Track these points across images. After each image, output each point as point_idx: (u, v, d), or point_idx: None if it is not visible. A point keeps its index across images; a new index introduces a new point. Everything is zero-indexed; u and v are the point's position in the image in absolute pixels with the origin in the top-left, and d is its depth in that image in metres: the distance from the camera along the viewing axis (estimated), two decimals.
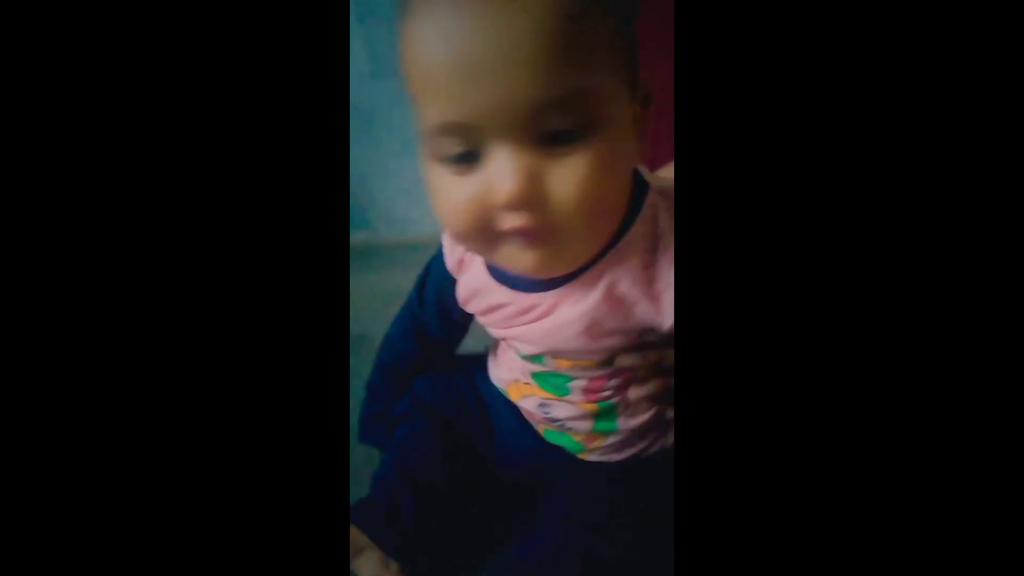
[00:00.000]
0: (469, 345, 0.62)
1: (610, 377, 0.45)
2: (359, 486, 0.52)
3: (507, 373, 0.52)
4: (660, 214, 0.40)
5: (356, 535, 0.47)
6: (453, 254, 0.49)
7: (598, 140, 0.33)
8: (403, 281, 0.61)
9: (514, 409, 0.54)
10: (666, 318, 0.39)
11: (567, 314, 0.41)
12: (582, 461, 0.52)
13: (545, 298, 0.42)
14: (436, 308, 0.54)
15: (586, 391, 0.46)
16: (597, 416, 0.47)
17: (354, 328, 0.56)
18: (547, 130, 0.32)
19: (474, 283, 0.47)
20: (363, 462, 0.61)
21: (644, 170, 0.43)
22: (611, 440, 0.49)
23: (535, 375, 0.48)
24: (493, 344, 0.56)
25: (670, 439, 0.50)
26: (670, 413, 0.47)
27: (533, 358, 0.47)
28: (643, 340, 0.42)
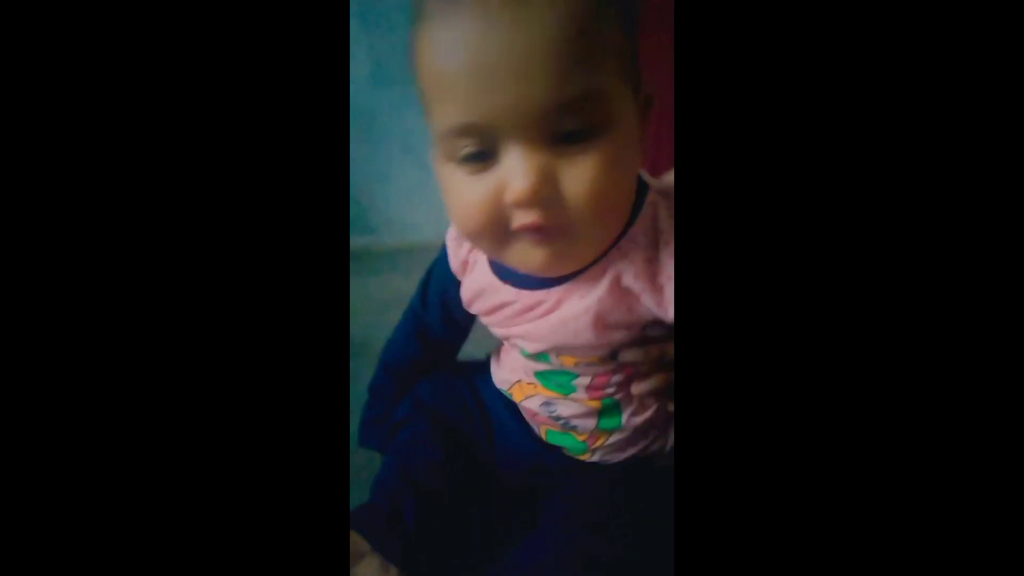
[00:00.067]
0: (470, 352, 0.62)
1: (614, 373, 0.46)
2: (359, 491, 0.52)
3: (510, 374, 0.52)
4: (660, 212, 0.41)
5: (356, 541, 0.46)
6: (457, 256, 0.50)
7: (607, 140, 0.34)
8: (404, 286, 0.61)
9: (515, 412, 0.54)
10: (670, 308, 0.40)
11: (573, 308, 0.42)
12: (582, 463, 0.52)
13: (551, 294, 0.43)
14: (439, 309, 0.55)
15: (590, 388, 0.47)
16: (601, 413, 0.48)
17: (355, 333, 0.56)
18: (559, 131, 0.34)
19: (479, 283, 0.48)
20: (363, 467, 0.61)
21: (644, 173, 0.44)
22: (614, 439, 0.49)
23: (539, 374, 0.49)
24: (496, 348, 0.56)
25: (671, 439, 0.50)
26: (671, 408, 0.47)
27: (538, 356, 0.47)
28: (646, 334, 0.43)
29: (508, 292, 0.45)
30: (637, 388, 0.46)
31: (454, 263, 0.50)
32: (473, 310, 0.50)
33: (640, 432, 0.49)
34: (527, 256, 0.38)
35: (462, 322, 0.56)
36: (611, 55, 0.34)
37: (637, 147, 0.38)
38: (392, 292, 0.70)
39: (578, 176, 0.34)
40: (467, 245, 0.49)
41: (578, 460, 0.52)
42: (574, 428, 0.49)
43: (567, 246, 0.37)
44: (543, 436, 0.53)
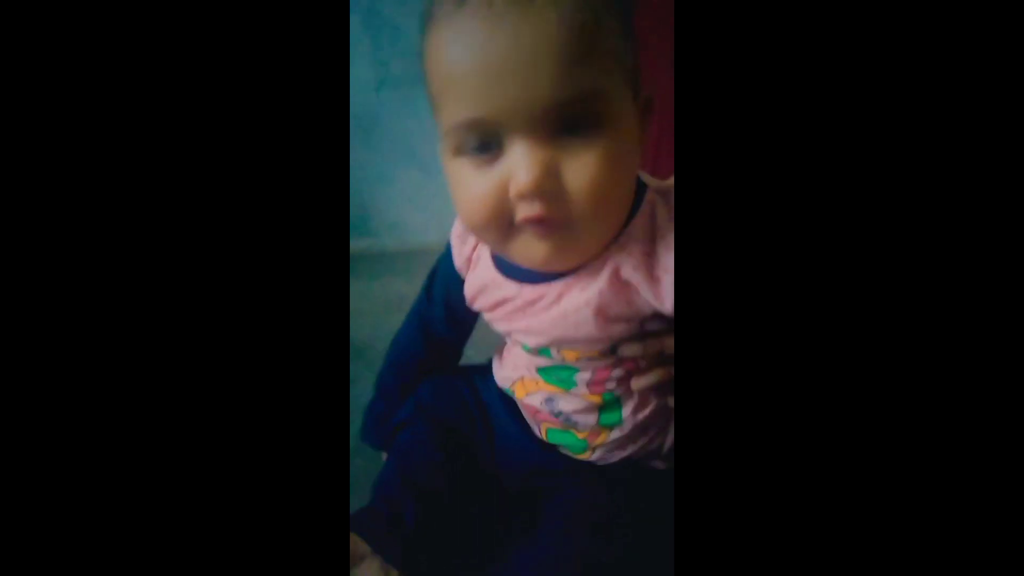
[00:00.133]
0: (471, 356, 0.63)
1: (614, 367, 0.46)
2: (359, 495, 0.52)
3: (512, 372, 0.53)
4: (658, 210, 0.43)
5: (357, 543, 0.47)
6: (461, 253, 0.51)
7: (607, 137, 0.36)
8: (404, 288, 0.61)
9: (516, 413, 0.55)
10: (667, 300, 0.41)
11: (575, 301, 0.43)
12: (583, 465, 0.52)
13: (552, 288, 0.44)
14: (443, 307, 0.56)
15: (591, 384, 0.47)
16: (602, 409, 0.48)
17: (355, 335, 0.56)
18: (561, 127, 0.35)
19: (482, 279, 0.49)
20: (363, 470, 0.61)
21: (644, 175, 0.46)
22: (614, 436, 0.49)
23: (540, 370, 0.49)
24: (498, 347, 0.57)
25: (670, 437, 0.50)
26: (671, 403, 0.48)
27: (539, 351, 0.48)
28: (645, 329, 0.44)
29: (510, 287, 0.46)
30: (637, 383, 0.46)
31: (458, 260, 0.51)
32: (476, 306, 0.51)
33: (640, 429, 0.49)
34: (530, 250, 0.39)
35: (465, 320, 0.56)
36: (611, 55, 0.36)
37: (637, 146, 0.39)
38: (392, 295, 0.70)
39: (579, 170, 0.36)
40: (471, 242, 0.50)
41: (579, 462, 0.52)
42: (575, 425, 0.50)
43: (569, 240, 0.38)
44: (544, 435, 0.53)
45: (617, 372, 0.46)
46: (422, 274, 0.58)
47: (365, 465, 0.62)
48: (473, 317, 0.56)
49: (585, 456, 0.52)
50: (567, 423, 0.50)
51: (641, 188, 0.44)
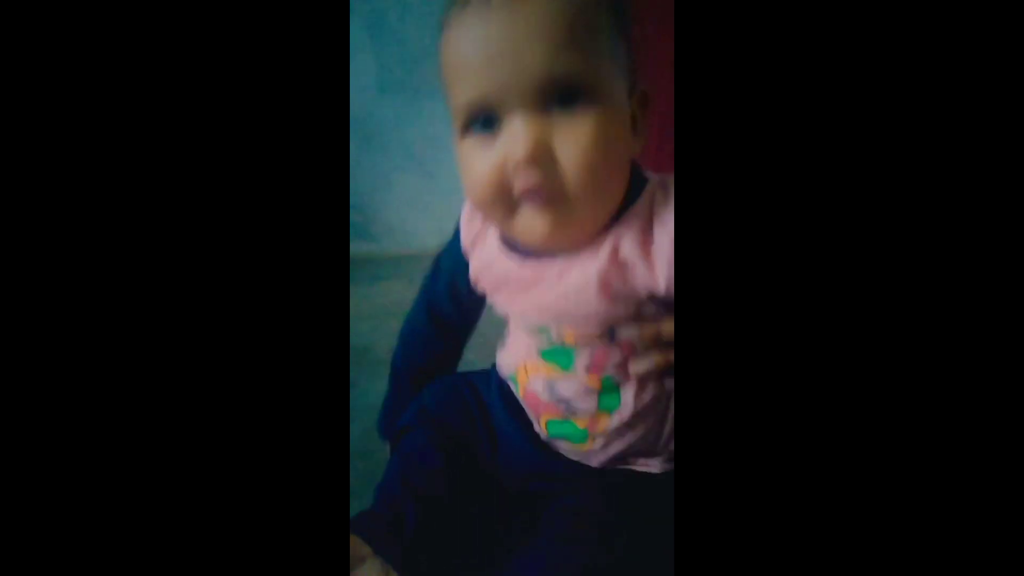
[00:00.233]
0: (473, 361, 0.63)
1: (612, 351, 0.48)
2: (360, 499, 0.53)
3: (514, 358, 0.54)
4: (657, 198, 0.46)
5: (357, 545, 0.47)
6: (469, 232, 0.54)
7: (596, 113, 0.40)
8: (405, 292, 0.61)
9: (517, 415, 0.55)
10: (661, 279, 0.44)
11: (578, 277, 0.45)
12: (584, 469, 0.52)
13: (555, 264, 0.46)
14: (448, 289, 0.60)
15: (589, 367, 0.49)
16: (601, 393, 0.49)
17: (355, 339, 0.56)
18: (553, 102, 0.39)
19: (487, 256, 0.52)
20: (364, 474, 0.61)
21: (649, 172, 0.48)
22: (614, 422, 0.50)
23: (542, 353, 0.51)
24: (503, 337, 0.58)
25: (669, 423, 0.51)
26: (670, 385, 0.50)
27: (540, 330, 0.50)
28: (641, 311, 0.46)
29: (514, 264, 0.49)
30: (635, 367, 0.48)
31: (466, 240, 0.54)
32: (481, 286, 0.54)
33: (639, 415, 0.49)
34: (531, 224, 0.42)
35: (470, 301, 0.59)
36: (601, 44, 0.40)
37: (628, 131, 0.43)
38: (393, 299, 0.70)
39: (571, 144, 0.39)
40: (478, 221, 0.53)
41: (579, 466, 0.52)
42: (575, 412, 0.50)
43: (565, 215, 0.42)
44: (544, 429, 0.53)
45: (615, 357, 0.48)
46: (421, 279, 0.59)
47: (366, 468, 0.62)
48: (478, 302, 0.59)
49: (586, 447, 0.52)
50: (568, 411, 0.51)
51: (643, 182, 0.46)
